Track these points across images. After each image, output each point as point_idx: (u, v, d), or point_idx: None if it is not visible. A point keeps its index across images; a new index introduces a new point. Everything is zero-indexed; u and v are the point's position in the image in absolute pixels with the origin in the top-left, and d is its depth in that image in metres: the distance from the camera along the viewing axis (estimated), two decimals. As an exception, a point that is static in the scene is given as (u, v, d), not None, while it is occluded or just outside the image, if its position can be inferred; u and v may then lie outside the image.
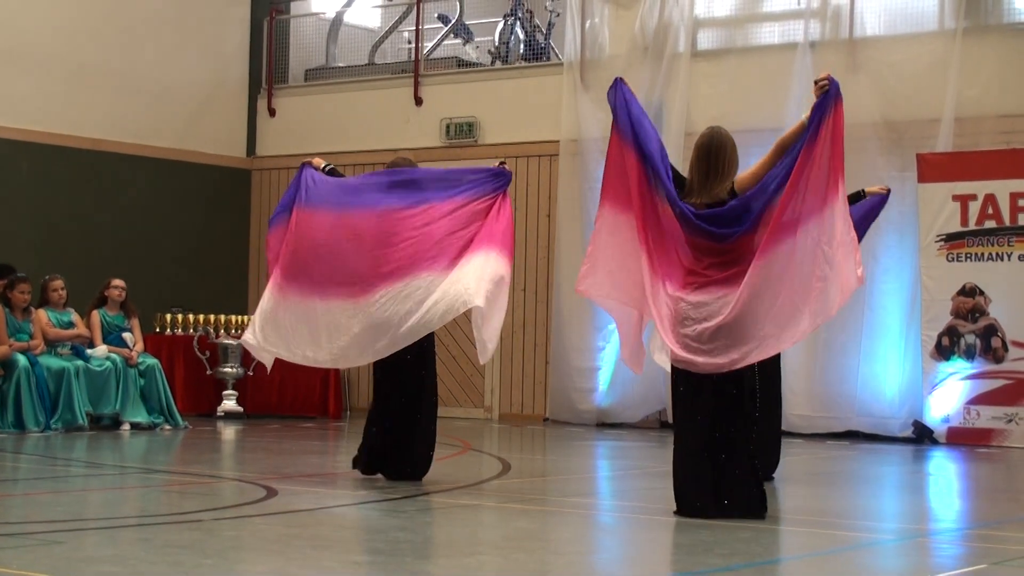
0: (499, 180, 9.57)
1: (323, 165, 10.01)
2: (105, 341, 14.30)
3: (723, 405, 8.05)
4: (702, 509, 7.98)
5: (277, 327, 9.64)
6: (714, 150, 8.26)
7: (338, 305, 9.43)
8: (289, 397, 16.57)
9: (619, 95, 8.54)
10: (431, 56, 18.98)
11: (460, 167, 9.81)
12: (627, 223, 8.41)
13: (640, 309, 8.44)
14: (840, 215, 7.98)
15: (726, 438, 8.04)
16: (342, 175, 10.12)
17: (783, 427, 14.81)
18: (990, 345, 14.18)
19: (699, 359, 8.03)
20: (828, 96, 8.02)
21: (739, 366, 8.00)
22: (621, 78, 8.70)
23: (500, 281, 9.19)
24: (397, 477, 9.60)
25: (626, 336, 8.64)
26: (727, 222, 8.11)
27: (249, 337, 9.73)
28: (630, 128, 8.42)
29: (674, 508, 8.15)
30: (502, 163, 9.71)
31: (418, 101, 18.49)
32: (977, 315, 14.26)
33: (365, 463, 9.75)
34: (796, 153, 8.01)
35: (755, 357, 8.04)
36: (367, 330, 9.32)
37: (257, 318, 9.72)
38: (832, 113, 8.02)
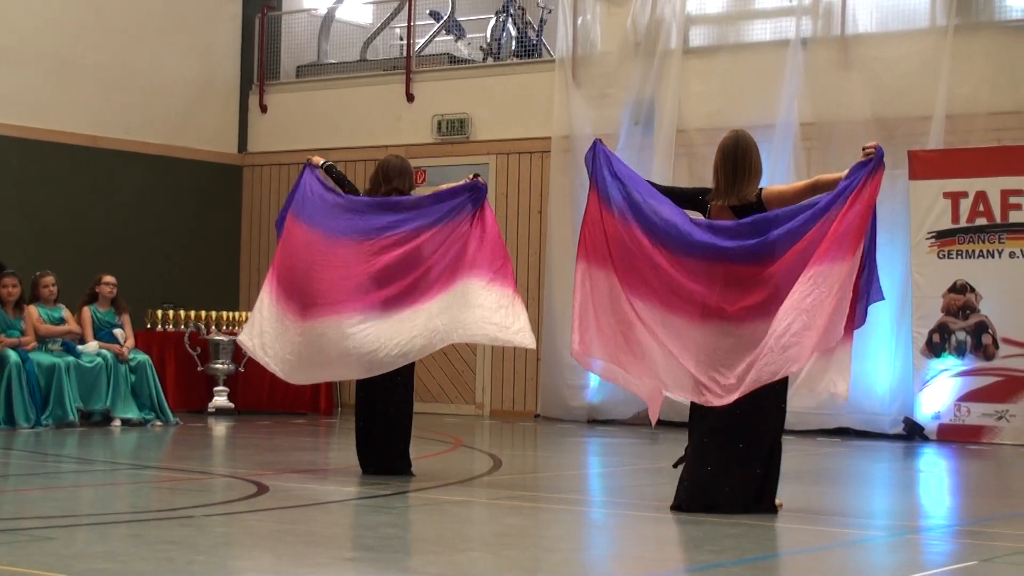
0: (475, 194, 9.55)
1: (322, 162, 10.05)
2: (96, 337, 14.29)
3: (761, 404, 8.09)
4: (712, 507, 8.03)
5: (274, 341, 9.69)
6: (740, 152, 8.34)
7: (321, 326, 9.47)
8: (280, 393, 16.54)
9: (599, 157, 8.62)
10: (423, 53, 18.98)
11: (437, 190, 9.72)
12: (606, 278, 8.47)
13: (624, 365, 8.46)
14: (840, 279, 7.94)
15: (760, 432, 8.13)
16: (341, 172, 10.17)
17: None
18: (981, 342, 14.20)
19: (724, 399, 8.09)
20: (872, 161, 8.06)
21: (733, 398, 8.07)
22: (599, 140, 8.76)
23: (508, 306, 9.25)
24: (390, 472, 9.63)
25: (647, 395, 8.60)
26: (741, 234, 8.17)
27: (245, 339, 9.78)
28: (614, 187, 8.51)
29: (671, 503, 8.17)
30: (476, 176, 9.65)
31: (410, 97, 18.49)
32: (968, 312, 14.28)
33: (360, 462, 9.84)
34: (823, 207, 8.04)
35: (745, 391, 8.09)
36: (348, 354, 9.37)
37: (256, 326, 9.73)
38: (871, 180, 8.04)
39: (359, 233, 9.59)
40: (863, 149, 8.16)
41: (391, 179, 9.82)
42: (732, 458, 8.09)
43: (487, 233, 9.43)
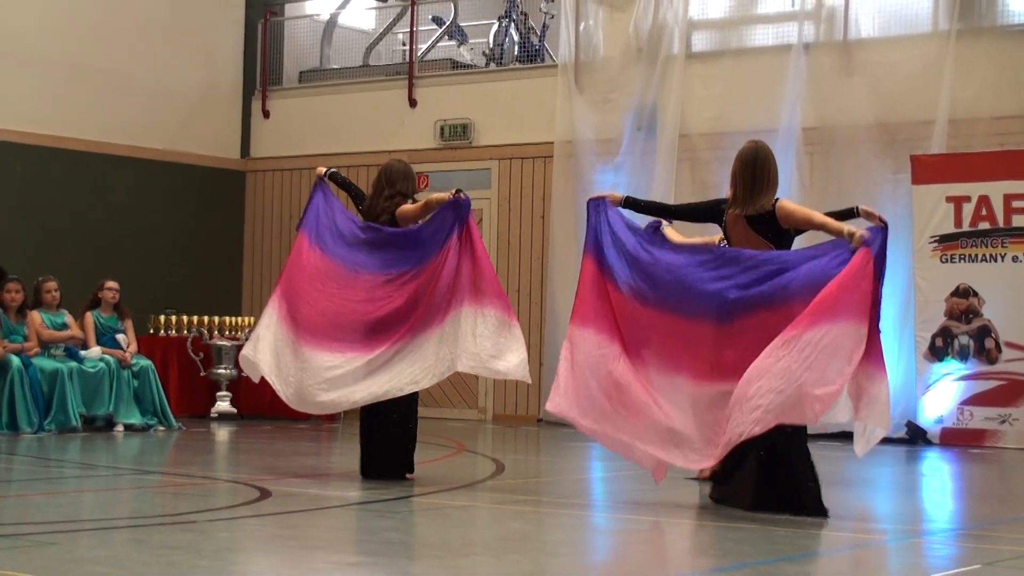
0: (459, 210, 9.52)
1: (325, 172, 10.10)
2: (99, 342, 14.29)
3: None
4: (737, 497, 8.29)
5: (281, 360, 9.79)
6: (760, 162, 8.47)
7: (333, 359, 9.55)
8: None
9: (598, 215, 8.70)
10: (425, 58, 18.98)
11: (428, 204, 9.65)
12: (593, 338, 8.54)
13: (605, 427, 8.56)
14: (815, 345, 7.94)
15: (793, 437, 8.24)
16: (345, 178, 10.26)
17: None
18: (984, 346, 14.19)
19: (711, 461, 8.30)
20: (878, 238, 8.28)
21: (715, 460, 8.26)
22: (592, 200, 8.79)
23: (507, 335, 9.26)
24: (393, 477, 9.65)
25: (643, 458, 8.71)
26: (756, 268, 8.26)
27: (249, 352, 9.89)
28: (611, 247, 8.66)
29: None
30: (458, 191, 9.62)
31: (412, 103, 18.50)
32: (971, 316, 14.27)
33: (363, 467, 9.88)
34: (818, 273, 8.14)
35: (723, 452, 8.18)
36: (358, 391, 9.47)
37: (262, 341, 9.80)
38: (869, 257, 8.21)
39: (372, 271, 9.63)
40: (863, 232, 8.21)
41: (394, 182, 9.84)
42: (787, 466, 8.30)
43: (477, 254, 9.41)
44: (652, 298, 8.54)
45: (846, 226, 8.30)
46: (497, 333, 9.23)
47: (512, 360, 9.18)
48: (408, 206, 9.74)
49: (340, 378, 9.51)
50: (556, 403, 8.61)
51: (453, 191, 9.54)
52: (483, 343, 9.21)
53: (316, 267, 9.78)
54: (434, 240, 9.49)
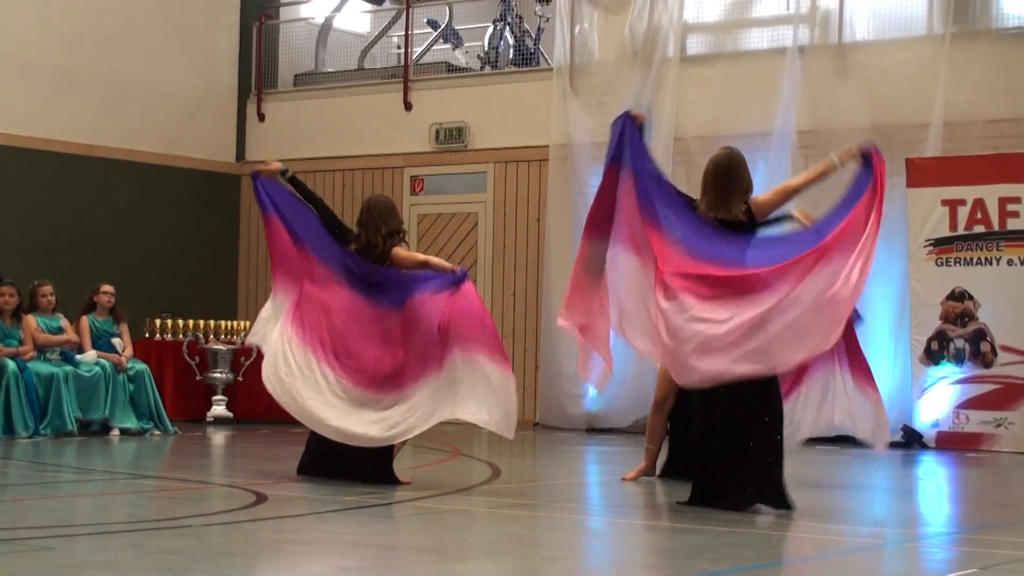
0: (454, 278, 9.53)
1: (281, 168, 9.96)
2: (94, 347, 14.28)
3: (765, 398, 8.33)
4: (719, 498, 8.33)
5: (290, 375, 9.86)
6: (734, 169, 8.57)
7: (355, 393, 9.61)
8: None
9: (631, 133, 8.71)
10: (420, 61, 18.99)
11: (420, 273, 9.75)
12: (623, 258, 8.65)
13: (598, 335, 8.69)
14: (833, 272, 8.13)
15: (757, 429, 8.30)
16: (302, 183, 10.06)
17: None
18: (979, 350, 14.20)
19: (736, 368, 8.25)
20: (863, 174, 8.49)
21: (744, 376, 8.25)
22: (630, 114, 8.83)
23: (496, 385, 9.29)
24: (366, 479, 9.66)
25: (590, 356, 8.80)
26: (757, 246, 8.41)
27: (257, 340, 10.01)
28: (635, 161, 8.65)
29: (680, 500, 8.56)
30: (457, 267, 9.65)
31: (408, 106, 18.50)
32: (966, 320, 14.28)
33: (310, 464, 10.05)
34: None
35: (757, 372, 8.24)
36: (365, 432, 9.47)
37: (268, 344, 9.89)
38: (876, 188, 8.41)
39: (380, 307, 9.65)
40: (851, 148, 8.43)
41: (388, 220, 9.78)
42: (746, 457, 8.33)
43: (473, 305, 9.46)
44: (664, 226, 8.57)
45: (830, 157, 8.55)
46: (489, 384, 9.26)
47: (497, 412, 9.21)
48: (404, 252, 9.76)
49: (342, 406, 9.59)
50: (562, 314, 8.85)
51: (454, 267, 9.63)
52: (477, 392, 9.25)
53: (326, 291, 9.78)
54: (424, 288, 9.51)
